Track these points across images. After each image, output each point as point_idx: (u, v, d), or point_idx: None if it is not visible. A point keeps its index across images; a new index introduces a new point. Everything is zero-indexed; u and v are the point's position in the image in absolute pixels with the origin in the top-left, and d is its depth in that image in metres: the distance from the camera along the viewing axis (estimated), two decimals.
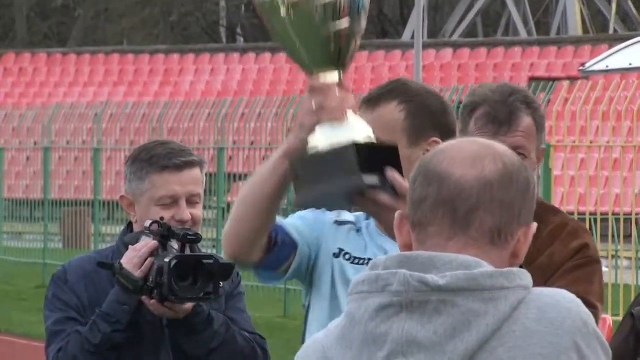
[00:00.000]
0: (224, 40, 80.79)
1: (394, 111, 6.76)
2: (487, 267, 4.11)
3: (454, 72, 61.10)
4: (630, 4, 69.69)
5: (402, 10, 75.09)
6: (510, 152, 4.35)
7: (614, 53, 20.20)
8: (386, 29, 77.48)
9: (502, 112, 7.04)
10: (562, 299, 4.19)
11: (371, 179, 6.21)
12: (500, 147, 4.35)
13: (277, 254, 6.90)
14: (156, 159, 7.81)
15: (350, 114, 6.42)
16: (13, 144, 53.20)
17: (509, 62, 60.94)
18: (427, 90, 7.05)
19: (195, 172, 7.87)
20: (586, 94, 41.90)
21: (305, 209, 6.74)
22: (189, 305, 7.56)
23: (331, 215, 7.22)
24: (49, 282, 7.86)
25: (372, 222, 7.19)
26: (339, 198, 6.38)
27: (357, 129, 6.37)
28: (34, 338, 28.52)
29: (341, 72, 6.49)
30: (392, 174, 6.22)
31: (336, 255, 7.22)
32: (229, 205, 39.47)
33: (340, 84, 6.45)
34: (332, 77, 6.38)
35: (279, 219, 7.06)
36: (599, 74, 33.54)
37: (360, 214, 7.30)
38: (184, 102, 60.00)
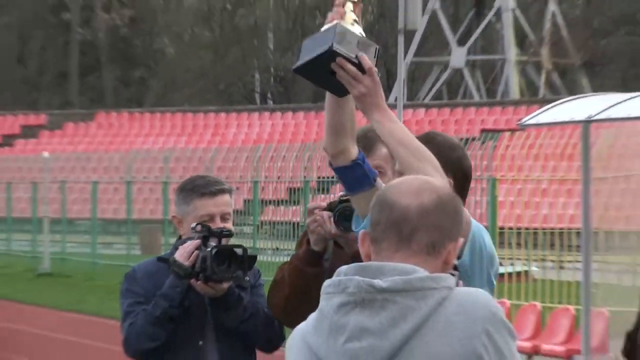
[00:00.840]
0: (258, 102, 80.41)
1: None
2: (421, 273, 4.13)
3: (426, 127, 60.96)
4: (555, 76, 69.72)
5: (387, 79, 74.96)
6: (446, 187, 4.42)
7: (543, 111, 20.28)
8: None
9: (362, 143, 6.47)
10: (478, 296, 4.22)
11: (342, 49, 5.77)
12: (438, 183, 4.40)
13: (356, 170, 6.22)
14: (197, 188, 7.84)
15: (350, 16, 6.03)
16: (104, 179, 53.13)
17: (466, 118, 60.77)
18: (447, 140, 6.66)
19: (226, 197, 7.86)
20: (522, 141, 42.00)
21: (298, 72, 6.04)
22: (225, 285, 7.56)
23: None
24: (123, 279, 7.90)
25: None
26: (318, 64, 5.85)
27: (350, 24, 5.96)
28: (118, 319, 28.40)
29: None
30: (361, 54, 5.75)
31: None
32: (262, 223, 39.36)
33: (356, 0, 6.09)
34: None
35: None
36: (532, 127, 33.57)
37: None
38: (228, 148, 59.97)
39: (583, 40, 75.77)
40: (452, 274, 4.71)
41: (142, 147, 62.48)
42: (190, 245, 7.56)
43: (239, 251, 7.62)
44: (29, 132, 69.75)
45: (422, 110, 63.20)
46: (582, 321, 16.76)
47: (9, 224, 50.22)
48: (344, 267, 4.25)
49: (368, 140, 7.11)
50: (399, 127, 5.97)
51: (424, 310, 4.12)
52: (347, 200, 7.00)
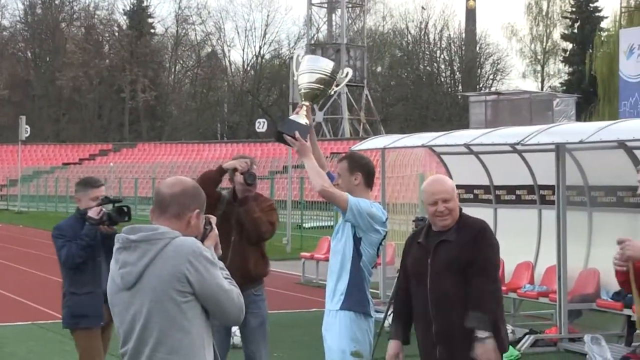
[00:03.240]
0: (219, 138, 79.92)
1: (344, 163, 6.40)
2: (159, 230, 4.05)
3: None
4: (367, 126, 70.02)
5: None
6: (189, 180, 4.25)
7: (362, 143, 20.14)
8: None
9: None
10: (186, 241, 4.04)
11: (286, 129, 6.22)
12: (186, 179, 4.26)
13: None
14: (91, 182, 7.77)
15: (302, 113, 6.27)
16: (142, 176, 52.63)
17: (322, 147, 60.99)
18: (360, 155, 6.60)
19: (103, 187, 7.75)
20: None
21: (275, 139, 6.49)
22: (116, 228, 7.44)
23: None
24: (53, 229, 7.72)
25: None
26: (279, 135, 6.24)
27: (301, 118, 6.23)
28: None
29: (312, 104, 6.37)
30: (297, 134, 6.14)
31: None
32: None
33: (308, 105, 6.32)
34: (306, 104, 6.32)
35: None
36: (357, 151, 33.63)
37: None
38: (204, 161, 59.59)
39: (380, 109, 76.15)
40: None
41: (160, 161, 61.95)
42: (96, 208, 7.45)
43: (124, 207, 7.56)
44: (103, 153, 69.02)
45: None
46: (382, 248, 16.69)
47: None
48: (125, 228, 4.14)
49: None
50: (313, 163, 6.25)
51: (154, 250, 4.00)
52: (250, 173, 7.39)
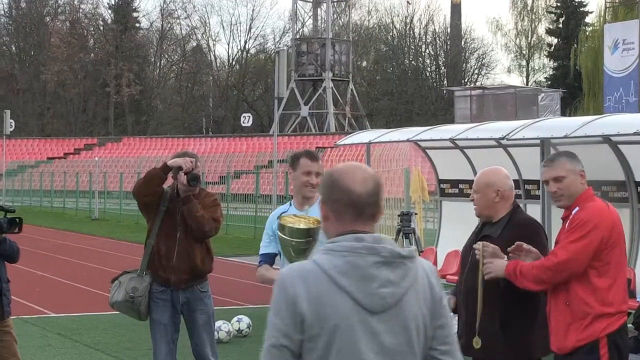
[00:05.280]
0: (204, 132, 79.79)
1: (319, 163, 6.13)
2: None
3: (289, 146, 60.87)
4: (352, 120, 70.07)
5: (269, 121, 74.74)
6: (370, 170, 3.52)
7: (347, 138, 19.98)
8: (264, 124, 77.51)
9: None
10: (425, 260, 3.47)
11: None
12: (367, 169, 3.50)
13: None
14: None
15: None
16: (127, 171, 52.52)
17: (308, 141, 60.40)
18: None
19: None
20: (339, 152, 41.57)
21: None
22: (4, 236, 7.45)
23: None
24: None
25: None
26: None
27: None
28: (128, 241, 28.53)
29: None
30: None
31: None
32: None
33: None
34: None
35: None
36: (342, 146, 33.62)
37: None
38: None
39: (365, 103, 76.21)
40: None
41: (145, 155, 61.78)
42: None
43: (17, 220, 7.47)
44: (88, 147, 68.83)
45: (286, 138, 63.13)
46: None
47: (77, 194, 49.53)
48: (366, 237, 3.41)
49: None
50: None
51: (415, 269, 3.39)
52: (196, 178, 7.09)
